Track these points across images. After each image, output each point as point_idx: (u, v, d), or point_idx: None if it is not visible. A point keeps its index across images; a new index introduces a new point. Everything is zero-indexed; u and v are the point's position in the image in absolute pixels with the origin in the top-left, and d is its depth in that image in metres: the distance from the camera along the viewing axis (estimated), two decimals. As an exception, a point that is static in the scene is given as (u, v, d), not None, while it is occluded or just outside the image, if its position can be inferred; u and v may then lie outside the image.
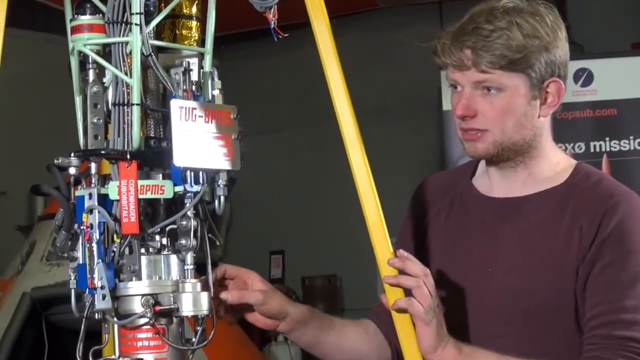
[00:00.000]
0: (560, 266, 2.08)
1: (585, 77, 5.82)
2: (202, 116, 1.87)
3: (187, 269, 1.87)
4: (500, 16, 2.09)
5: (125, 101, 1.83)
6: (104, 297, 1.79)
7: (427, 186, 2.39)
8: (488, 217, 2.21)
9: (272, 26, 1.96)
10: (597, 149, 5.84)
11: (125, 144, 1.83)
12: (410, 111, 8.66)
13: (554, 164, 2.20)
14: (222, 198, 1.91)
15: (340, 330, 2.27)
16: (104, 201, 1.83)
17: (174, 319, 1.87)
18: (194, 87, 1.89)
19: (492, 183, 2.24)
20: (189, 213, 1.85)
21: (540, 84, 2.11)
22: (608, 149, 5.84)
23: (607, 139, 5.86)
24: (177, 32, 1.97)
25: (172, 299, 1.84)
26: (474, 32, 2.09)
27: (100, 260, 1.80)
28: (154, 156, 1.87)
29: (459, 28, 2.13)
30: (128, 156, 1.82)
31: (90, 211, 1.82)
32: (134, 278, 1.84)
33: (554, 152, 2.22)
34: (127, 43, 1.84)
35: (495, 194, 2.23)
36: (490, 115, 2.12)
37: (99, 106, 1.85)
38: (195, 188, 1.86)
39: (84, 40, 1.86)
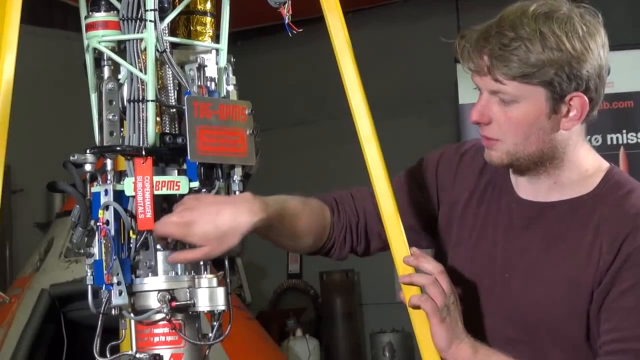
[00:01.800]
0: (577, 283, 2.04)
1: (601, 70, 5.79)
2: (217, 112, 1.87)
3: (203, 265, 1.87)
4: (526, 22, 1.98)
5: (140, 97, 1.84)
6: (120, 293, 1.80)
7: (468, 153, 2.28)
8: (515, 218, 2.15)
9: (286, 22, 1.96)
10: (614, 142, 5.82)
11: (141, 141, 1.84)
12: (427, 104, 8.64)
13: (583, 170, 2.11)
14: (237, 193, 1.91)
15: (295, 225, 2.14)
16: (120, 197, 1.84)
17: (191, 315, 1.87)
18: (208, 83, 1.90)
19: (519, 185, 2.17)
20: (204, 208, 1.85)
21: (561, 98, 2.01)
22: (625, 142, 5.82)
23: (624, 131, 5.84)
24: (192, 28, 1.97)
25: (188, 294, 1.84)
26: (494, 38, 1.99)
27: (116, 256, 1.81)
28: (169, 152, 1.88)
29: (483, 30, 2.03)
30: (143, 152, 1.83)
31: (106, 207, 1.82)
32: (150, 274, 1.85)
33: (585, 157, 2.12)
34: (141, 40, 1.85)
35: (523, 195, 2.16)
36: (504, 126, 2.04)
37: (114, 103, 1.86)
38: (211, 183, 1.87)
39: (99, 38, 1.86)
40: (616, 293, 1.99)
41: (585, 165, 2.11)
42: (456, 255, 2.19)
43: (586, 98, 2.02)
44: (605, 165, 2.14)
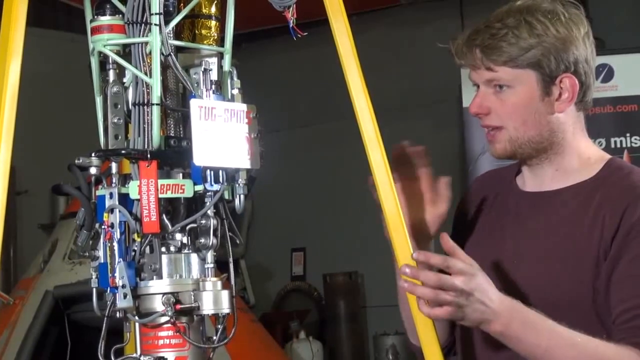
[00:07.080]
0: (580, 258, 2.09)
1: (605, 73, 5.81)
2: (221, 115, 1.88)
3: (208, 268, 1.88)
4: (512, 15, 2.12)
5: (145, 101, 1.85)
6: (125, 296, 1.81)
7: (476, 181, 2.45)
8: (522, 210, 2.23)
9: (291, 25, 1.97)
10: (618, 145, 5.83)
11: (146, 144, 1.84)
12: (431, 107, 8.64)
13: (584, 158, 2.20)
14: (242, 196, 1.92)
15: None
16: (125, 200, 1.85)
17: (195, 317, 1.88)
18: (213, 87, 1.90)
19: (525, 179, 2.27)
20: (209, 212, 1.86)
21: (551, 80, 2.12)
22: (629, 145, 5.83)
23: (628, 134, 5.84)
24: (197, 31, 1.98)
25: (192, 297, 1.85)
26: (483, 31, 2.13)
27: (121, 259, 1.81)
28: (174, 155, 1.89)
29: (473, 29, 2.16)
30: (148, 155, 1.83)
31: (111, 210, 1.83)
32: (154, 277, 1.85)
33: (586, 147, 2.22)
34: (146, 43, 1.85)
35: (528, 189, 2.26)
36: (502, 113, 2.15)
37: (119, 106, 1.86)
38: (215, 187, 1.87)
39: (104, 41, 1.87)
40: (625, 263, 2.05)
41: (587, 153, 2.21)
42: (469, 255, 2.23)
43: (576, 79, 2.13)
44: (607, 156, 2.23)
